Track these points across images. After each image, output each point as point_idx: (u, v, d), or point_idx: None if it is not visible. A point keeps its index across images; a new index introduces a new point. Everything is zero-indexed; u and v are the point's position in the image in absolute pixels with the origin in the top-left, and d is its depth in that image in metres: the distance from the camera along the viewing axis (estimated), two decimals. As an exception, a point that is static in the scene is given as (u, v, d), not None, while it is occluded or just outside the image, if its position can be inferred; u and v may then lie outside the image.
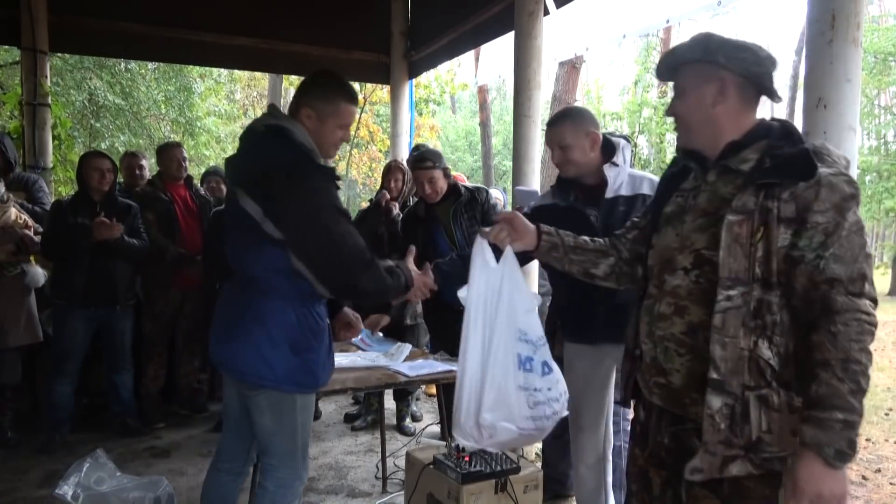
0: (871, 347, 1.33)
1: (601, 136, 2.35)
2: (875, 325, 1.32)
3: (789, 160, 1.39)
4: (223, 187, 4.65)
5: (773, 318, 1.38)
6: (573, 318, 2.45)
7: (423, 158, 3.34)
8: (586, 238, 1.82)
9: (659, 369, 1.54)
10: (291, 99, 2.02)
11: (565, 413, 1.94)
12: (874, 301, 1.34)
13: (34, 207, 4.08)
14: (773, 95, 1.49)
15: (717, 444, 1.39)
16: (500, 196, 5.91)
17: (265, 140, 1.94)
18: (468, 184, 3.50)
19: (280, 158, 1.87)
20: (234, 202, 1.95)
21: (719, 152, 1.50)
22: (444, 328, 3.54)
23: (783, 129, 1.49)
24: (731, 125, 1.49)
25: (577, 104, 12.18)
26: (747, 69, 1.44)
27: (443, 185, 3.34)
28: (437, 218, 3.40)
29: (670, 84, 1.61)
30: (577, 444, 2.47)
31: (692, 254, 1.49)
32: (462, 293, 1.84)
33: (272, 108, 2.08)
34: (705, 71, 1.47)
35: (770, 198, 1.37)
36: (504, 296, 1.81)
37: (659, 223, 1.62)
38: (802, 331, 1.38)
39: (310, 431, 2.13)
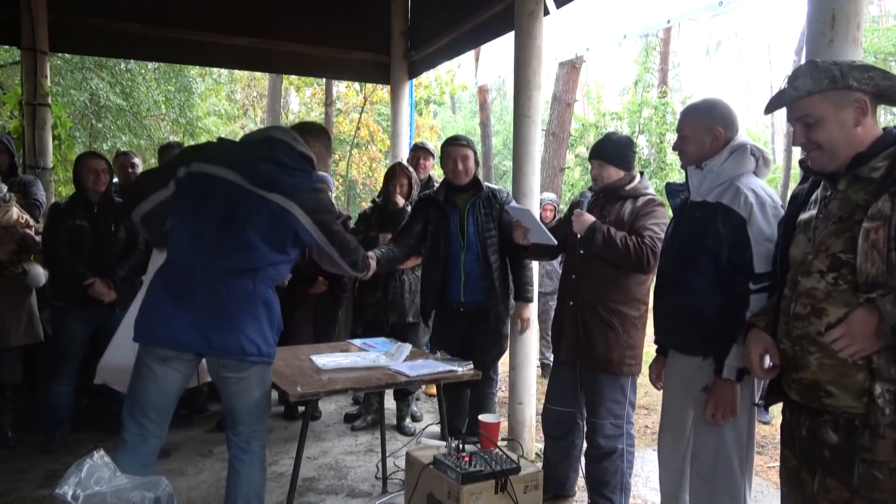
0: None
1: (726, 135, 2.21)
2: None
3: None
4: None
5: None
6: (675, 327, 2.36)
7: (457, 137, 3.46)
8: None
9: (797, 366, 1.63)
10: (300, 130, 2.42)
11: None
12: None
13: (29, 201, 4.06)
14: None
15: (885, 427, 1.44)
16: (552, 198, 5.87)
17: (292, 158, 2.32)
18: (492, 184, 3.50)
19: (310, 176, 2.35)
20: (261, 200, 2.20)
21: (847, 164, 1.58)
22: (444, 327, 3.54)
23: None
24: (866, 140, 1.58)
25: (577, 103, 12.21)
26: (878, 85, 1.56)
27: (472, 167, 3.38)
28: (455, 205, 3.39)
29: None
30: (659, 444, 2.48)
31: (828, 258, 1.56)
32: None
33: (288, 130, 2.40)
34: (839, 97, 1.57)
35: None
36: None
37: (794, 232, 1.72)
38: None
39: None
